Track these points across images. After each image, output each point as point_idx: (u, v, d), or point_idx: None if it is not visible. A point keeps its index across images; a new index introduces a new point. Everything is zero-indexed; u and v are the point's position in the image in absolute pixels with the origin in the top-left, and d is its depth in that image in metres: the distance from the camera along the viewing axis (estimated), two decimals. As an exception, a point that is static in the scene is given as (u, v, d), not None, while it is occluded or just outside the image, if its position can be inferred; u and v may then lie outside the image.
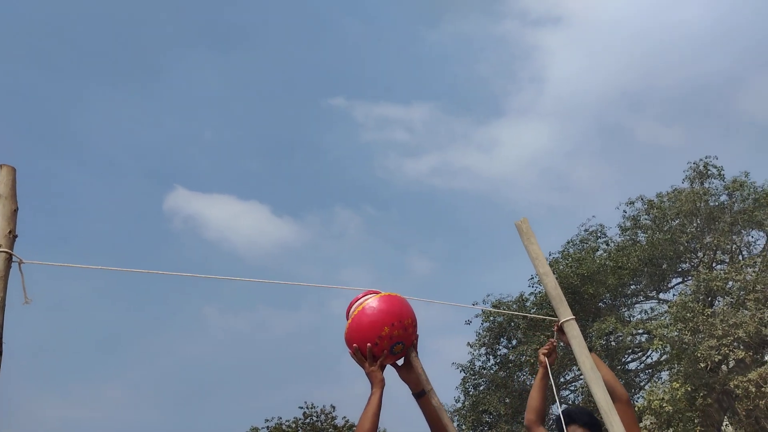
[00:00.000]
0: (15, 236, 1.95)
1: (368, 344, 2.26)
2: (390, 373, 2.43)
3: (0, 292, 1.86)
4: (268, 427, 24.04)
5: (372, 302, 2.31)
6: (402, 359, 2.44)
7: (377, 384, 2.28)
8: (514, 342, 19.49)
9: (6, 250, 1.90)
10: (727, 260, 19.76)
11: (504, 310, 18.73)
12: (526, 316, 18.40)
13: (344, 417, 24.51)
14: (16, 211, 1.97)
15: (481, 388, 19.77)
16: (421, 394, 2.42)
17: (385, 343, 2.28)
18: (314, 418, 24.36)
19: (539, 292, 18.74)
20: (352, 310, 2.35)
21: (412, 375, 2.41)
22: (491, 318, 19.11)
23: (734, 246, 19.76)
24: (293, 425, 24.10)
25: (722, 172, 19.43)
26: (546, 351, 2.93)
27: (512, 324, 19.14)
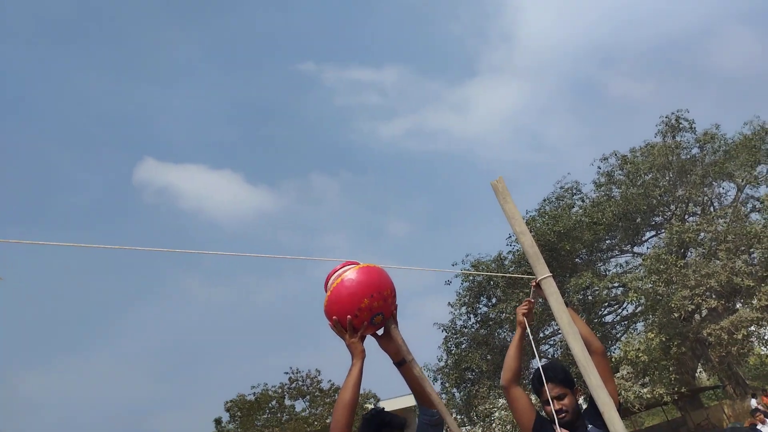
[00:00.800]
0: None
1: (348, 316, 2.28)
2: (371, 343, 2.45)
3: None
4: (254, 393, 24.33)
5: (350, 274, 2.30)
6: (382, 329, 2.46)
7: (357, 355, 2.30)
8: (493, 300, 19.80)
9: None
10: (699, 212, 20.16)
11: (483, 269, 18.94)
12: (504, 276, 18.66)
13: (329, 380, 24.88)
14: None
15: (463, 346, 20.13)
16: (402, 363, 2.45)
17: (365, 314, 2.28)
18: (300, 383, 24.68)
19: (517, 250, 18.97)
20: (331, 281, 2.34)
21: (391, 345, 2.43)
22: (470, 278, 19.34)
23: (706, 198, 20.14)
24: (279, 390, 24.40)
25: (693, 126, 19.66)
26: (525, 311, 2.97)
27: (491, 283, 19.41)
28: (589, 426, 2.77)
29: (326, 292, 2.36)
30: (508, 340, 20.04)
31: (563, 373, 2.86)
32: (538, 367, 2.88)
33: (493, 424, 19.90)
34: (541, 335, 19.98)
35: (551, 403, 2.77)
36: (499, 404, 20.80)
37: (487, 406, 20.27)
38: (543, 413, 2.94)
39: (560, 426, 2.72)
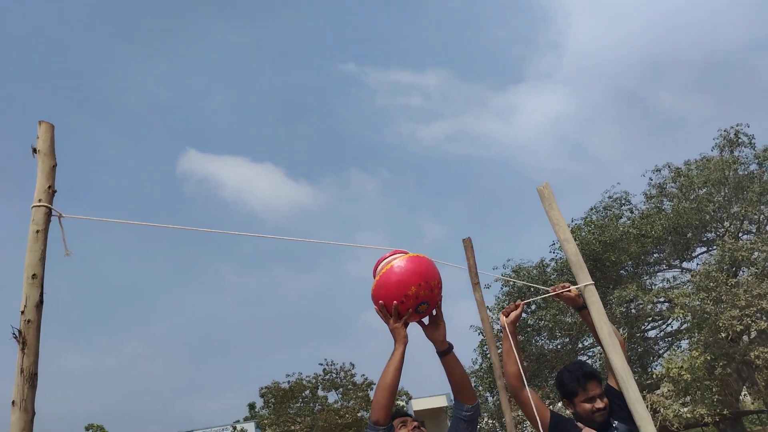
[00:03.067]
0: (54, 191, 2.02)
1: (394, 302, 2.32)
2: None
3: (41, 245, 1.95)
4: (289, 381, 24.70)
5: (400, 262, 2.37)
6: (427, 318, 2.51)
7: (400, 340, 2.37)
8: (533, 307, 19.57)
9: (46, 204, 1.98)
10: (754, 230, 19.46)
11: (525, 275, 18.73)
12: (540, 290, 18.41)
13: (363, 375, 25.06)
14: (54, 167, 2.04)
15: (499, 351, 19.91)
16: (446, 352, 2.49)
17: (411, 302, 2.34)
18: (334, 375, 24.93)
19: (560, 258, 18.69)
20: (380, 268, 2.41)
21: (437, 333, 2.49)
22: (510, 283, 19.16)
23: (762, 216, 19.43)
24: (313, 380, 24.71)
25: (753, 141, 18.99)
26: (507, 312, 3.01)
27: (531, 289, 19.17)
28: (615, 422, 2.83)
29: (374, 277, 2.41)
30: (545, 348, 19.79)
31: (599, 375, 2.93)
32: (580, 365, 2.92)
33: (525, 431, 19.69)
34: (580, 345, 19.65)
35: (594, 401, 2.81)
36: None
37: (519, 413, 20.05)
38: (567, 412, 2.98)
39: (597, 423, 2.77)
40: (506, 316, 3.01)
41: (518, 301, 3.06)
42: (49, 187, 1.99)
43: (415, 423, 2.78)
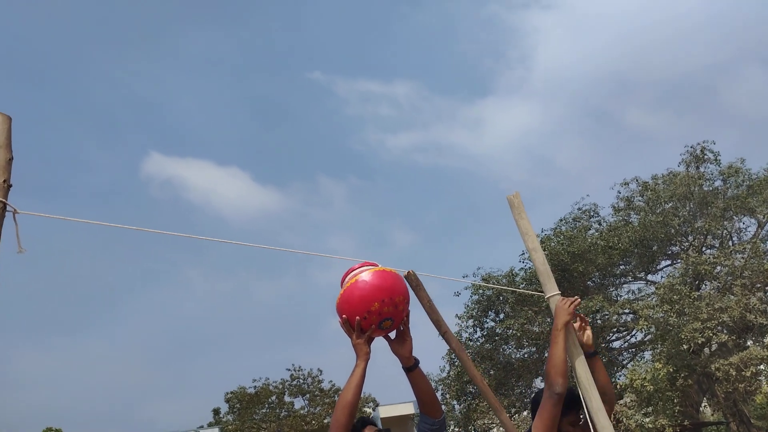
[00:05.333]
0: (10, 186, 1.95)
1: (357, 317, 2.29)
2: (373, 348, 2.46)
3: (-7, 241, 1.87)
4: (255, 386, 24.42)
5: (365, 276, 2.33)
6: (394, 333, 2.47)
7: (362, 356, 2.32)
8: (501, 316, 19.69)
9: (1, 199, 1.91)
10: (717, 245, 19.90)
11: (494, 284, 18.85)
12: (516, 291, 18.56)
13: (330, 381, 24.92)
14: (11, 160, 1.97)
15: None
16: (412, 368, 2.46)
17: (374, 318, 2.30)
18: (301, 381, 24.73)
19: (529, 267, 18.86)
20: (347, 280, 2.37)
21: (403, 349, 2.45)
22: (480, 291, 19.26)
23: (725, 231, 19.88)
24: (280, 386, 24.47)
25: (718, 158, 19.44)
26: (572, 310, 2.77)
27: (501, 298, 19.31)
28: None
29: (341, 288, 2.38)
30: (513, 357, 19.91)
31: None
32: (572, 389, 2.75)
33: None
34: (546, 355, 19.82)
35: (576, 427, 2.76)
36: (498, 421, 20.67)
37: (486, 421, 20.16)
38: None
39: None
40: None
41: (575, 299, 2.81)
42: (4, 181, 1.92)
43: None
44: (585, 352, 2.61)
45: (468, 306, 20.08)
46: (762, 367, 16.20)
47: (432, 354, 21.47)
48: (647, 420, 16.32)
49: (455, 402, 20.44)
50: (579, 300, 2.84)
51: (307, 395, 24.47)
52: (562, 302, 2.76)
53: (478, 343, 20.15)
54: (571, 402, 2.74)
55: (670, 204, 19.37)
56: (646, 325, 16.75)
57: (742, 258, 17.56)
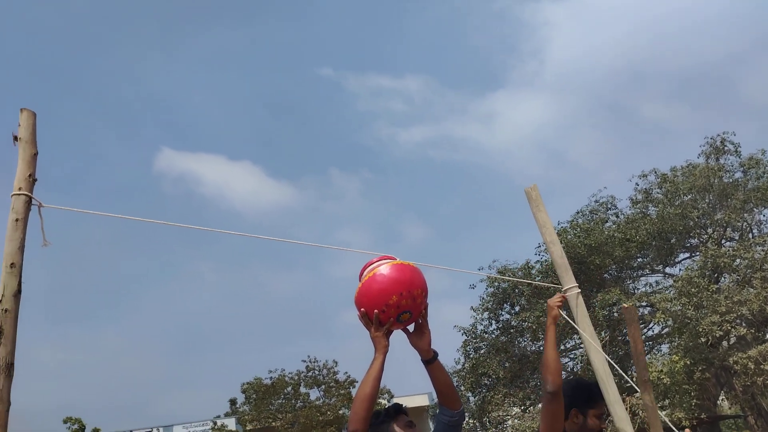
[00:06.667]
0: (35, 180, 1.99)
1: (375, 310, 2.31)
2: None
3: (20, 234, 1.91)
4: (271, 377, 24.59)
5: (384, 269, 2.33)
6: (413, 326, 2.48)
7: (380, 349, 2.33)
8: (517, 308, 19.64)
9: (26, 193, 1.95)
10: (737, 238, 19.67)
11: (509, 276, 18.80)
12: (531, 284, 18.50)
13: (346, 372, 25.01)
14: (35, 155, 2.00)
15: (482, 351, 20.02)
16: (431, 360, 2.47)
17: (392, 311, 2.31)
18: (316, 372, 24.86)
19: (545, 260, 18.78)
20: (365, 273, 2.38)
21: (422, 342, 2.46)
22: (495, 284, 19.22)
23: (745, 224, 19.64)
24: (296, 377, 24.62)
25: (739, 149, 19.19)
26: (560, 303, 2.83)
27: (516, 290, 19.25)
28: None
29: (359, 282, 2.39)
30: (528, 349, 19.87)
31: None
32: (589, 384, 2.76)
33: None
34: (562, 347, 19.76)
35: (601, 419, 2.75)
36: (513, 412, 20.65)
37: (500, 413, 20.15)
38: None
39: None
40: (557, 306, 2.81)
41: (562, 294, 2.88)
42: (30, 175, 1.96)
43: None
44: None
45: (483, 298, 20.07)
46: (781, 360, 16.00)
47: (447, 346, 21.47)
48: (663, 413, 16.23)
49: (470, 394, 20.46)
50: (564, 296, 2.90)
51: (323, 386, 24.59)
52: (551, 299, 2.82)
53: (493, 336, 20.14)
54: (596, 395, 2.77)
55: (689, 196, 19.16)
56: (664, 318, 16.62)
57: (762, 251, 17.34)
